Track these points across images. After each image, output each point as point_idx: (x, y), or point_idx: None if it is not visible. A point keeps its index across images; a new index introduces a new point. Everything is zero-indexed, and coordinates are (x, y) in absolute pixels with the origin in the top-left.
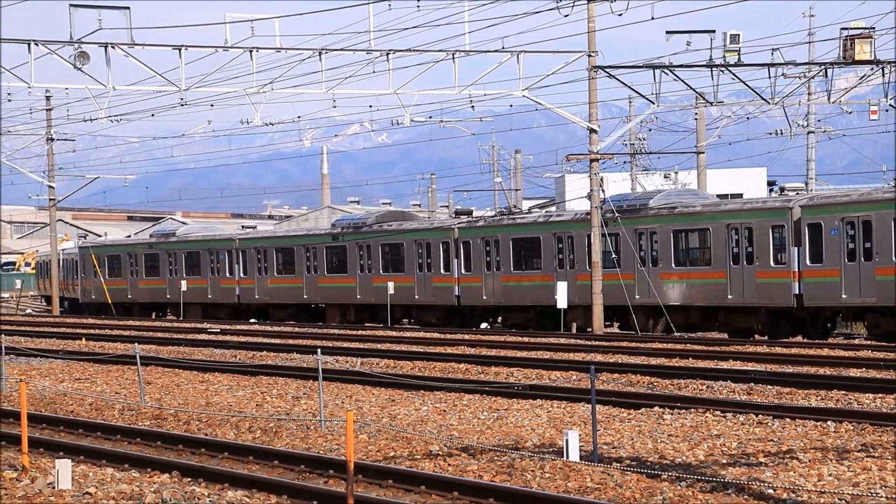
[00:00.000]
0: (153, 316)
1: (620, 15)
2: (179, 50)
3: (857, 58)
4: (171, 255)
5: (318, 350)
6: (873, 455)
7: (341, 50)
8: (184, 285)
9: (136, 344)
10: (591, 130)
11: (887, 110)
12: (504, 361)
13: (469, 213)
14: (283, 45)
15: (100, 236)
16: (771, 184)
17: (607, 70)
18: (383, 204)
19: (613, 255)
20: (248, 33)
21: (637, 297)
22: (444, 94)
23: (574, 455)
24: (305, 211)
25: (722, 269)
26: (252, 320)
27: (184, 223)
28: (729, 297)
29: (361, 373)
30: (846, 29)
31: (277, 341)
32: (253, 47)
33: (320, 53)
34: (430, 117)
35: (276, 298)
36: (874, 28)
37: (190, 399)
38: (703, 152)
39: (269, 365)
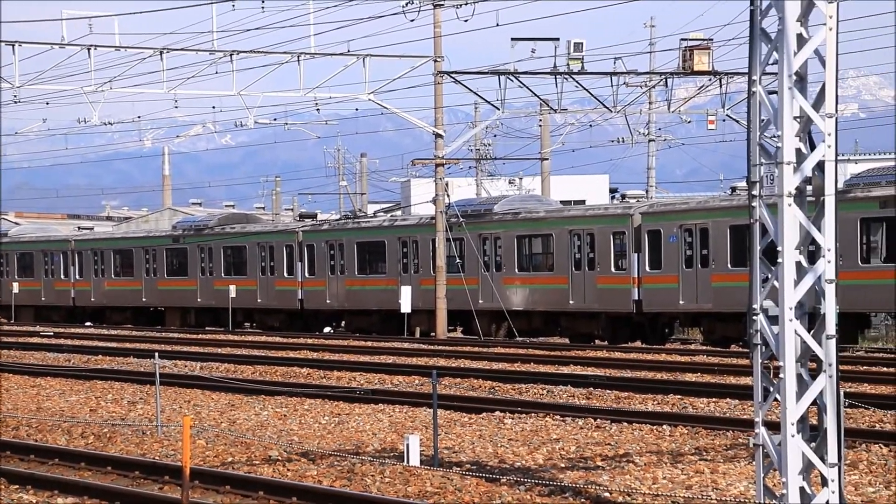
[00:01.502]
0: None
1: (466, 21)
2: (13, 46)
3: (695, 68)
4: (2, 256)
5: (156, 354)
6: (706, 458)
7: (183, 50)
8: (15, 287)
9: None
10: (437, 135)
11: (724, 120)
12: (346, 366)
13: (314, 216)
14: (122, 43)
15: None
16: (613, 191)
17: (453, 75)
18: (226, 206)
19: (458, 260)
20: (86, 30)
21: (481, 301)
22: (288, 96)
23: (414, 460)
24: (145, 212)
25: (564, 274)
26: (88, 323)
27: (17, 223)
28: (571, 302)
29: (201, 377)
30: (685, 40)
31: (114, 345)
32: (91, 45)
33: (161, 53)
34: (275, 119)
35: (113, 301)
36: (712, 39)
37: (20, 404)
38: (547, 158)
39: (104, 369)
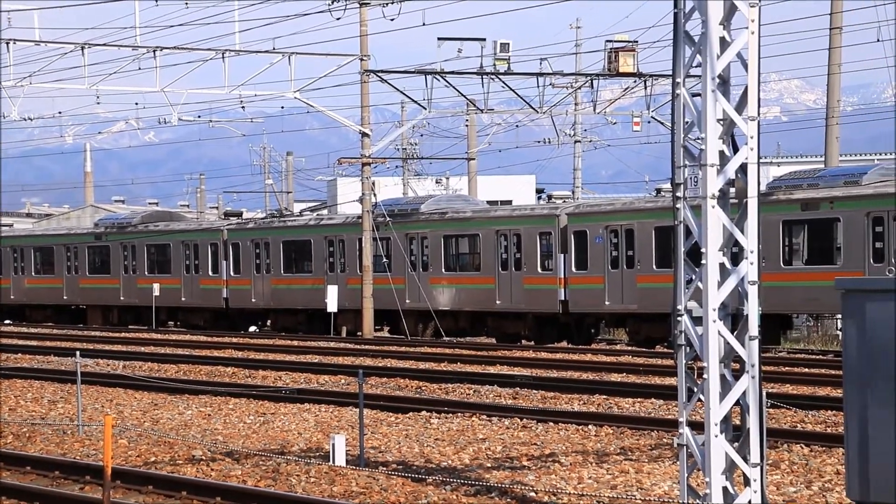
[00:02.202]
0: None
1: (393, 20)
2: None
3: (621, 70)
4: None
5: (77, 353)
6: (631, 458)
7: (105, 45)
8: None
9: None
10: (364, 134)
11: (649, 122)
12: (272, 365)
13: (239, 214)
14: (42, 37)
15: None
16: (539, 191)
17: (379, 74)
18: (150, 204)
19: (385, 260)
20: (5, 24)
21: (407, 301)
22: (213, 93)
23: (340, 459)
24: (67, 210)
25: (491, 274)
26: (7, 321)
27: None
28: (497, 302)
29: (123, 376)
30: (611, 41)
31: (34, 343)
32: (10, 39)
33: (83, 48)
34: (199, 117)
35: (33, 299)
36: (637, 42)
37: None
38: (473, 158)
39: (23, 368)
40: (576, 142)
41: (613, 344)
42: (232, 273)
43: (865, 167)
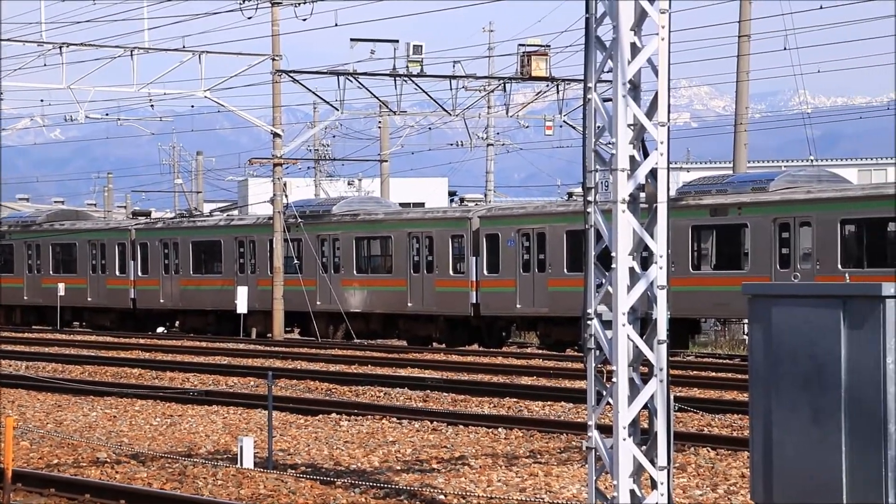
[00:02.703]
0: None
1: (305, 20)
2: None
3: (533, 74)
4: None
5: None
6: (540, 461)
7: (9, 40)
8: None
9: None
10: (275, 135)
11: (561, 126)
12: (180, 366)
13: (147, 214)
14: None
15: None
16: (452, 194)
17: (291, 74)
18: (55, 202)
19: (296, 261)
20: None
21: (318, 303)
22: (121, 91)
23: (248, 462)
24: None
25: (403, 277)
26: None
27: None
28: (409, 304)
29: (26, 377)
30: (523, 45)
31: None
32: None
33: None
34: (107, 114)
35: None
36: (549, 46)
37: None
38: (386, 160)
39: None
40: (488, 145)
41: (524, 347)
42: (140, 273)
43: (773, 174)
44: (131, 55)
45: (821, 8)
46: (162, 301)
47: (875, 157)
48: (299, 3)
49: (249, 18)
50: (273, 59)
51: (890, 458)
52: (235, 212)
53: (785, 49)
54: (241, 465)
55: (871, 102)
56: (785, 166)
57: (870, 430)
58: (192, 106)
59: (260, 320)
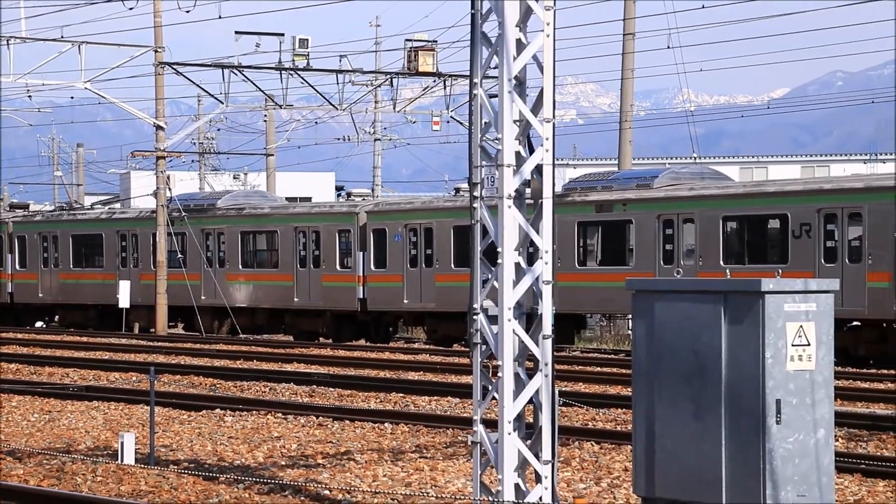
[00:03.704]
0: None
1: (188, 12)
2: None
3: (420, 69)
4: None
5: None
6: (426, 456)
7: None
8: None
9: None
10: (158, 127)
11: (449, 122)
12: (59, 361)
13: (25, 206)
14: None
15: None
16: (339, 189)
17: (174, 67)
18: None
19: (179, 255)
20: None
21: (203, 297)
22: None
23: (129, 458)
24: None
25: (289, 272)
26: None
27: None
28: (295, 299)
29: None
30: (410, 41)
31: None
32: None
33: None
34: None
35: None
36: (436, 41)
37: None
38: (272, 154)
39: None
40: (375, 140)
41: (411, 342)
42: (17, 267)
43: (657, 170)
44: (7, 44)
45: (703, 7)
46: (41, 295)
47: (756, 155)
48: None
49: (131, 9)
50: (156, 51)
51: (767, 452)
52: (117, 205)
53: (669, 48)
54: (122, 461)
55: (752, 101)
56: (669, 163)
57: (748, 424)
58: (72, 97)
59: (143, 315)
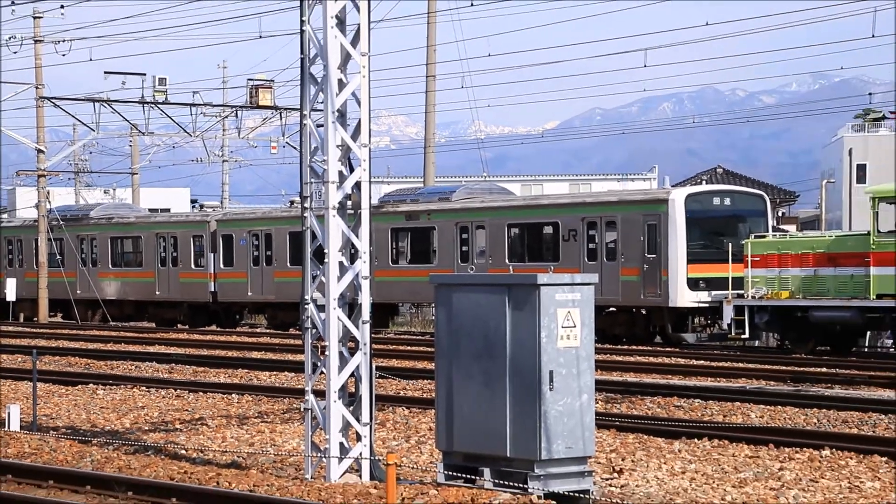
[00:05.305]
0: None
1: (64, 55)
2: None
3: (260, 103)
4: None
5: None
6: (267, 421)
7: None
8: None
9: None
10: (39, 151)
11: (284, 146)
12: None
13: None
14: None
15: None
16: (194, 201)
17: (53, 101)
18: None
19: (58, 257)
20: None
21: (79, 291)
22: None
23: (15, 426)
24: None
25: (151, 270)
26: None
27: None
28: (157, 293)
29: None
30: (252, 80)
31: None
32: None
33: None
34: None
35: None
36: (273, 80)
37: None
38: (136, 173)
39: None
40: (224, 161)
41: (255, 327)
42: None
43: (454, 187)
44: None
45: (489, 55)
46: None
47: (534, 175)
48: (59, 42)
49: (15, 53)
50: (37, 88)
51: (542, 413)
52: (4, 216)
53: (462, 87)
54: (9, 428)
55: (530, 131)
56: (465, 181)
57: (528, 391)
58: None
59: (27, 307)
